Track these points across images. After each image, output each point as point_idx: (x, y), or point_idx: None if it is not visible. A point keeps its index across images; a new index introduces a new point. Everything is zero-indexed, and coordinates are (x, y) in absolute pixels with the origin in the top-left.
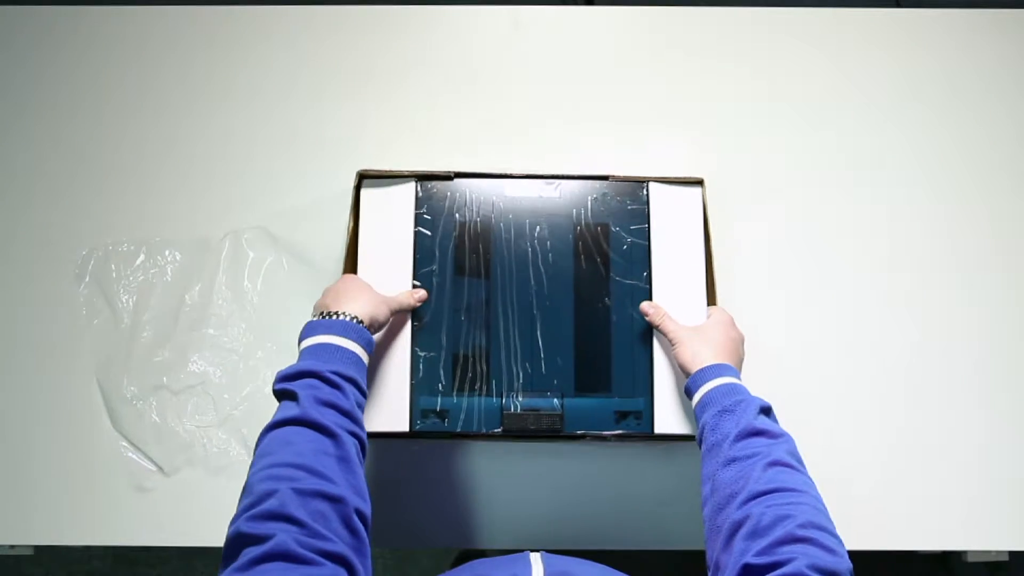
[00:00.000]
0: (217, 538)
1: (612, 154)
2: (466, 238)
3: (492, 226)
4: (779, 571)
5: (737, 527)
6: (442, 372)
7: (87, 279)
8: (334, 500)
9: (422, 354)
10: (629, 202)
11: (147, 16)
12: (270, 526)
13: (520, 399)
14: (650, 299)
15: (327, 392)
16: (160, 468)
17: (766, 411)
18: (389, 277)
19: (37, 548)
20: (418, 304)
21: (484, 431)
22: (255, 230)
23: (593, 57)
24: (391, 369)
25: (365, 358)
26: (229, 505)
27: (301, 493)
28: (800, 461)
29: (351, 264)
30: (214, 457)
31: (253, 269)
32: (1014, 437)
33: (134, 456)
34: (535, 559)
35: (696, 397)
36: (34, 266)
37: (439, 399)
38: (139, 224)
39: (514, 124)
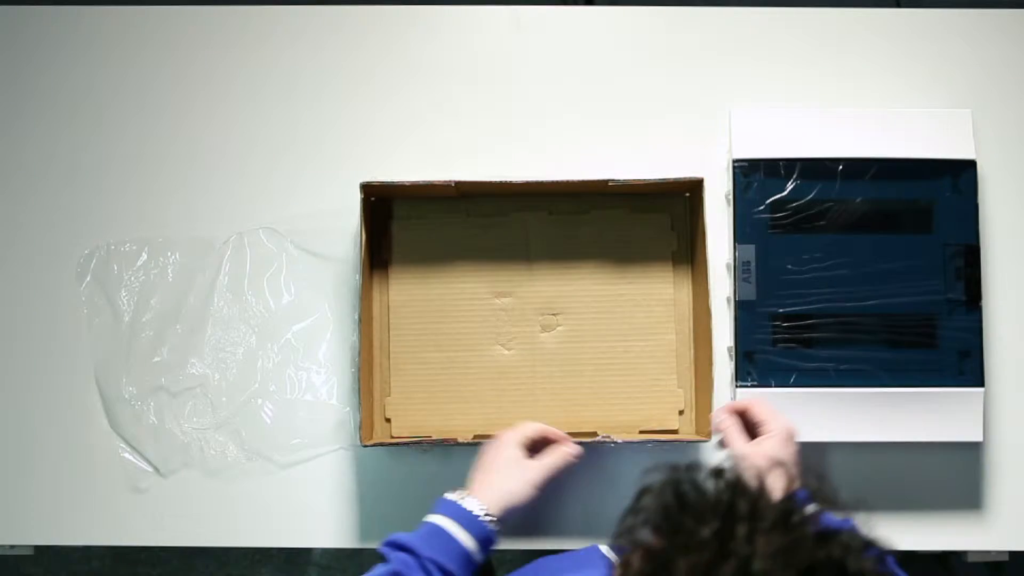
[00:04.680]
0: (215, 539)
1: (614, 154)
2: None
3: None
4: None
5: None
6: None
7: (88, 278)
8: None
9: None
10: None
11: (148, 16)
12: None
13: None
14: None
15: None
16: (156, 469)
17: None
18: None
19: (37, 548)
20: (573, 460)
21: None
22: (258, 231)
23: (594, 57)
24: None
25: (477, 555)
26: (227, 507)
27: None
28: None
29: (367, 276)
30: (211, 459)
31: (255, 271)
32: (1013, 436)
33: (131, 457)
34: (606, 550)
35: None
36: (35, 264)
37: None
38: (141, 224)
39: (513, 123)
